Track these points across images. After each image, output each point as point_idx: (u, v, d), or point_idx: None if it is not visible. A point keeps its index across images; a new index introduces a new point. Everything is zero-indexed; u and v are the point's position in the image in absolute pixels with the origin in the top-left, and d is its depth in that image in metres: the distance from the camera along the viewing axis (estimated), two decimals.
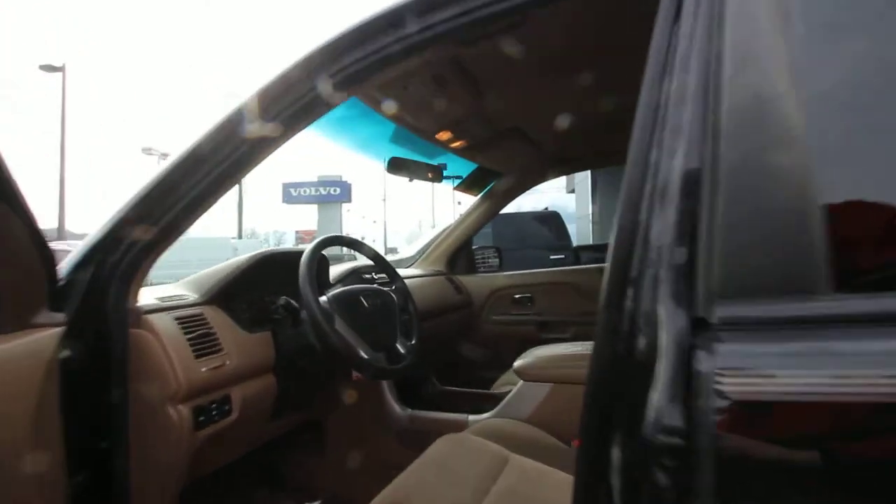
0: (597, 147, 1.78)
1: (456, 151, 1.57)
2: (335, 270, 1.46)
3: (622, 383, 0.45)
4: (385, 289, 1.20)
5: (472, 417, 1.33)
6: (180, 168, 0.75)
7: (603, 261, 0.52)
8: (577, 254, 5.50)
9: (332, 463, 1.38)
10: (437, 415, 1.37)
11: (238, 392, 0.97)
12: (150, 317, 0.87)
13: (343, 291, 1.08)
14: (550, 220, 6.15)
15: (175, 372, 0.84)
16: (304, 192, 22.46)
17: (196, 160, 0.75)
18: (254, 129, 0.72)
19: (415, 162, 1.51)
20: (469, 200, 2.28)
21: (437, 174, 1.59)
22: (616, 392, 0.45)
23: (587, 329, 2.03)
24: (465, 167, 1.97)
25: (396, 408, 1.41)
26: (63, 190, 11.81)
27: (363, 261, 1.39)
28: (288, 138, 0.76)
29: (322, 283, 1.22)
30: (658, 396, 0.40)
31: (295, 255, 1.08)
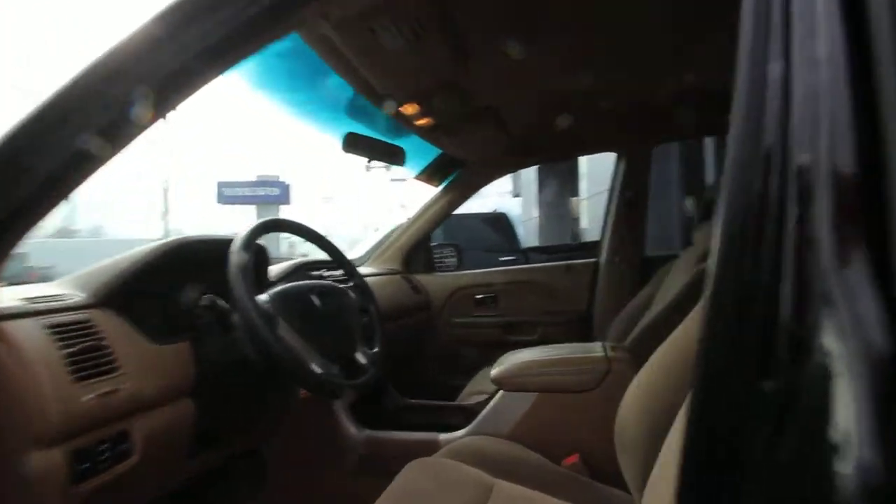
0: (574, 135, 1.67)
1: (421, 132, 1.38)
2: (274, 270, 1.22)
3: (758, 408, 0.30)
4: (341, 286, 0.99)
5: (443, 436, 1.14)
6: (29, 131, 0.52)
7: (553, 261, 0.35)
8: (527, 255, 5.50)
9: (276, 500, 1.13)
10: (401, 435, 1.16)
11: (141, 425, 0.72)
12: (7, 324, 0.60)
13: (289, 288, 0.85)
14: (499, 222, 6.10)
15: (41, 402, 0.59)
16: (241, 192, 21.26)
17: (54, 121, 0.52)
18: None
19: (375, 140, 1.30)
20: (415, 202, 2.10)
21: (398, 156, 1.39)
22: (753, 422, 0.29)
23: (556, 330, 1.91)
24: (426, 154, 1.79)
25: (352, 428, 1.19)
26: None
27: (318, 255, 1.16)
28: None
29: (260, 280, 0.99)
30: (849, 423, 0.25)
31: (221, 244, 0.84)
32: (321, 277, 1.31)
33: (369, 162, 1.33)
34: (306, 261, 1.31)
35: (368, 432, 1.19)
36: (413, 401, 1.40)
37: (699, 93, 1.43)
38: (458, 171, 1.89)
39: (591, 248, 2.02)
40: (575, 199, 9.71)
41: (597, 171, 7.72)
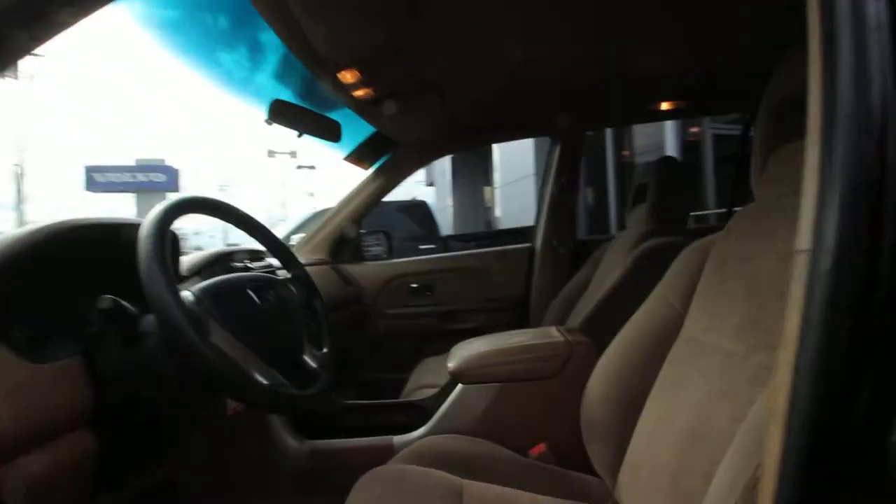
0: (512, 118, 1.63)
1: (357, 106, 1.24)
2: (186, 262, 1.02)
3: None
4: (279, 278, 0.84)
5: (398, 439, 1.04)
6: None
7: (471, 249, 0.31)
8: (447, 243, 5.50)
9: None
10: (349, 443, 1.04)
11: (16, 473, 0.53)
12: None
13: (219, 283, 0.69)
14: (418, 210, 6.02)
15: None
16: (117, 178, 18.61)
17: None
18: None
19: (307, 111, 1.14)
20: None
21: (333, 132, 1.23)
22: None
23: (495, 316, 1.89)
24: (356, 134, 1.64)
25: (291, 441, 1.04)
26: None
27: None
28: None
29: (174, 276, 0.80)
30: None
31: (120, 229, 0.66)
32: (246, 270, 1.12)
33: (299, 136, 1.15)
34: (227, 250, 1.11)
35: (310, 443, 1.04)
36: (353, 402, 1.28)
37: (633, 80, 1.47)
38: (391, 153, 1.77)
39: (512, 234, 2.03)
40: (488, 188, 9.97)
41: (509, 161, 7.99)
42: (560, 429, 0.97)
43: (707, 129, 5.24)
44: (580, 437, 0.90)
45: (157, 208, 0.63)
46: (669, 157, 1.49)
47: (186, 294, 0.62)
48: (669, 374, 0.77)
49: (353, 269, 1.88)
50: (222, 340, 0.61)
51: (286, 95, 1.14)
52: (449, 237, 5.88)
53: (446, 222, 10.40)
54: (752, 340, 0.61)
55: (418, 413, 1.18)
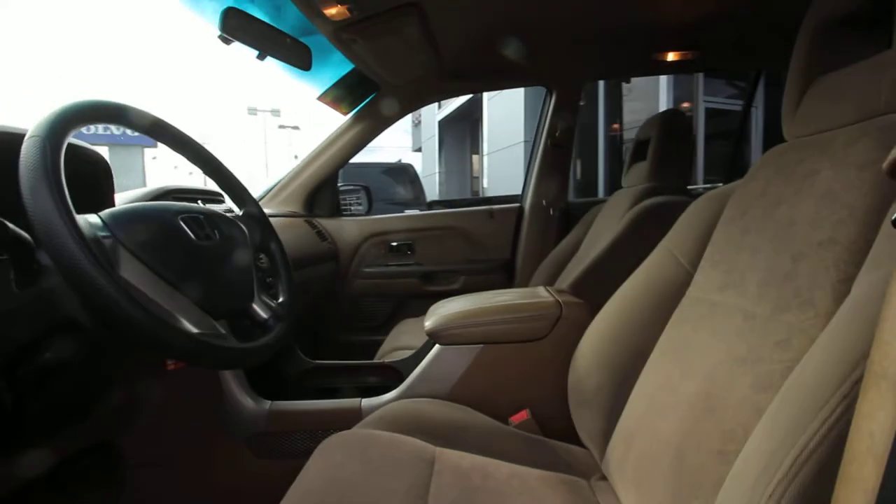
0: (505, 63, 1.48)
1: (332, 31, 1.08)
2: (124, 196, 0.88)
3: None
4: (224, 213, 0.71)
5: (366, 401, 0.94)
6: None
7: None
8: (432, 208, 5.36)
9: (143, 502, 0.85)
10: (312, 404, 0.94)
11: None
12: None
13: (140, 208, 0.56)
14: (404, 173, 5.84)
15: None
16: (87, 130, 17.76)
17: None
18: None
19: (268, 27, 0.97)
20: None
21: (300, 56, 1.07)
22: None
23: (478, 279, 1.79)
24: (333, 69, 1.47)
25: (248, 401, 0.93)
26: None
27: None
28: None
29: (97, 203, 0.66)
30: None
31: (9, 139, 0.52)
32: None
33: (260, 57, 0.99)
34: (175, 186, 0.96)
35: (270, 404, 0.94)
36: (323, 361, 1.18)
37: (640, 26, 1.33)
38: (371, 96, 1.61)
39: (500, 203, 1.91)
40: (476, 155, 9.75)
41: (498, 127, 7.77)
42: (545, 395, 0.89)
43: (700, 103, 5.12)
44: (566, 405, 0.82)
45: (51, 110, 0.49)
46: (675, 110, 1.37)
47: (90, 217, 0.49)
48: (673, 336, 0.68)
49: (329, 224, 1.75)
50: (136, 275, 0.49)
51: (251, 10, 0.98)
52: (434, 202, 5.74)
53: (432, 189, 10.20)
54: (780, 299, 0.52)
55: (392, 375, 1.09)
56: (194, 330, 0.52)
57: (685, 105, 5.20)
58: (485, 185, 8.51)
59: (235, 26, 0.89)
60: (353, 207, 1.95)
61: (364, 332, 1.75)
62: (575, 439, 0.81)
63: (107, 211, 0.52)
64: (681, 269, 0.74)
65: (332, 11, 1.00)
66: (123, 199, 0.85)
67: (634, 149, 1.41)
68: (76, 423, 0.71)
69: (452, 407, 0.87)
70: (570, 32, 1.35)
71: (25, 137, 0.46)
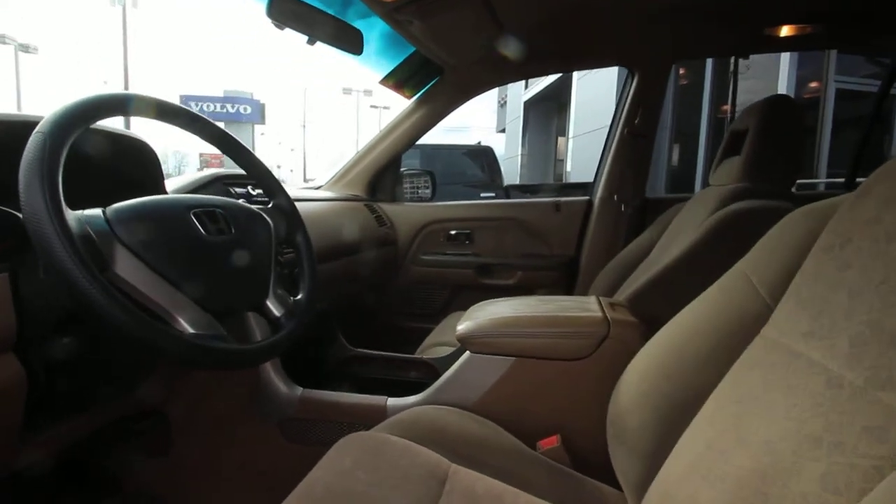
0: (582, 41, 1.33)
1: (387, 14, 1.03)
2: (175, 183, 0.91)
3: None
4: (252, 206, 0.70)
5: (392, 402, 0.92)
6: None
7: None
8: (508, 193, 5.22)
9: (181, 468, 0.92)
10: (342, 397, 0.94)
11: None
12: None
13: (146, 203, 0.56)
14: (483, 156, 5.74)
15: None
16: (208, 107, 19.84)
17: None
18: None
19: (316, 11, 0.95)
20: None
21: (350, 40, 1.04)
22: None
23: (535, 275, 1.69)
24: (396, 53, 1.43)
25: (281, 386, 0.96)
26: None
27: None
28: None
29: (143, 188, 0.68)
30: None
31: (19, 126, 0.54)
32: (247, 197, 1.01)
33: (310, 42, 0.98)
34: (226, 172, 1.00)
35: (302, 391, 0.96)
36: (362, 350, 1.18)
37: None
38: (436, 80, 1.55)
39: (581, 189, 1.76)
40: (562, 138, 9.30)
41: (587, 107, 7.29)
42: (580, 422, 0.80)
43: (831, 83, 4.34)
44: (604, 437, 0.73)
45: (60, 107, 0.50)
46: (783, 96, 1.14)
47: (90, 213, 0.50)
48: (737, 383, 0.56)
49: (389, 209, 1.75)
50: (132, 273, 0.49)
51: None
52: (511, 186, 5.58)
53: (513, 172, 9.94)
54: (879, 368, 0.38)
55: (426, 371, 1.06)
56: (191, 330, 0.51)
57: (813, 85, 4.45)
58: (568, 168, 8.10)
59: (283, 10, 0.88)
60: (419, 191, 1.93)
61: (417, 320, 1.74)
62: (609, 478, 0.71)
63: (113, 206, 0.52)
64: (758, 299, 0.60)
65: None
66: (173, 185, 0.89)
67: (728, 140, 1.20)
68: (123, 391, 0.76)
69: (477, 420, 0.81)
70: (654, 3, 1.17)
71: (31, 138, 0.47)
